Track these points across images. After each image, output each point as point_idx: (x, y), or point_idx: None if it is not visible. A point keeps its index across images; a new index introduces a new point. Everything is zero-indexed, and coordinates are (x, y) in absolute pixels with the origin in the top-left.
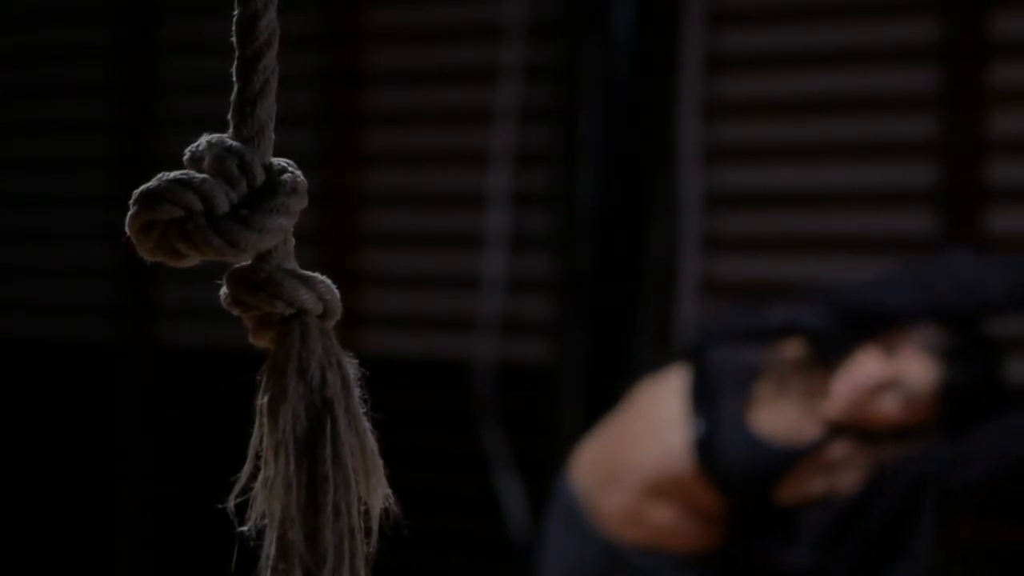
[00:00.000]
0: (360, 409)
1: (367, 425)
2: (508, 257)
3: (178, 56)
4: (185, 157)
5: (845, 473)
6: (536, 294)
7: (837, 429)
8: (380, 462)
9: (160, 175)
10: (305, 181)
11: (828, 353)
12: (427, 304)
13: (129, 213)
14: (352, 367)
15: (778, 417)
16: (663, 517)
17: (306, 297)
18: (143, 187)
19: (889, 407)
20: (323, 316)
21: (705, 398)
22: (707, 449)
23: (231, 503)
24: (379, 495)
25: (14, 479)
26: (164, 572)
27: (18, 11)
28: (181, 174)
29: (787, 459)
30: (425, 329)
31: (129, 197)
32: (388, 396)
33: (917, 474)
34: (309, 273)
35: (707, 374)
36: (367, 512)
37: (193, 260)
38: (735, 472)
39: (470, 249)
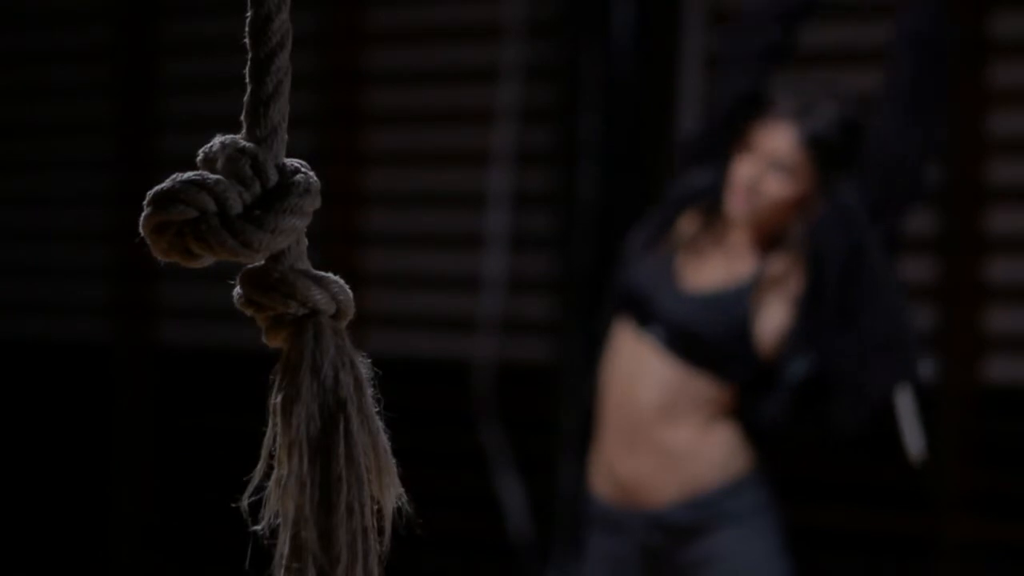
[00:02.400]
0: (373, 409)
1: (380, 425)
2: (508, 257)
3: (178, 56)
4: (198, 158)
5: (794, 282)
6: (536, 294)
7: (762, 247)
8: (393, 461)
9: (174, 176)
10: (318, 182)
11: (713, 199)
12: (427, 304)
13: (143, 214)
14: (365, 367)
15: (711, 273)
16: (684, 439)
17: (319, 297)
18: (157, 188)
19: (778, 187)
20: (336, 316)
21: (646, 309)
22: (677, 338)
23: (244, 502)
24: (392, 494)
25: (14, 479)
26: (164, 572)
27: (18, 11)
28: (195, 175)
29: (743, 297)
30: (425, 329)
31: (129, 197)
32: (388, 396)
33: (840, 221)
34: (322, 273)
35: (635, 293)
36: (380, 511)
37: (206, 260)
38: (713, 336)
39: (470, 249)
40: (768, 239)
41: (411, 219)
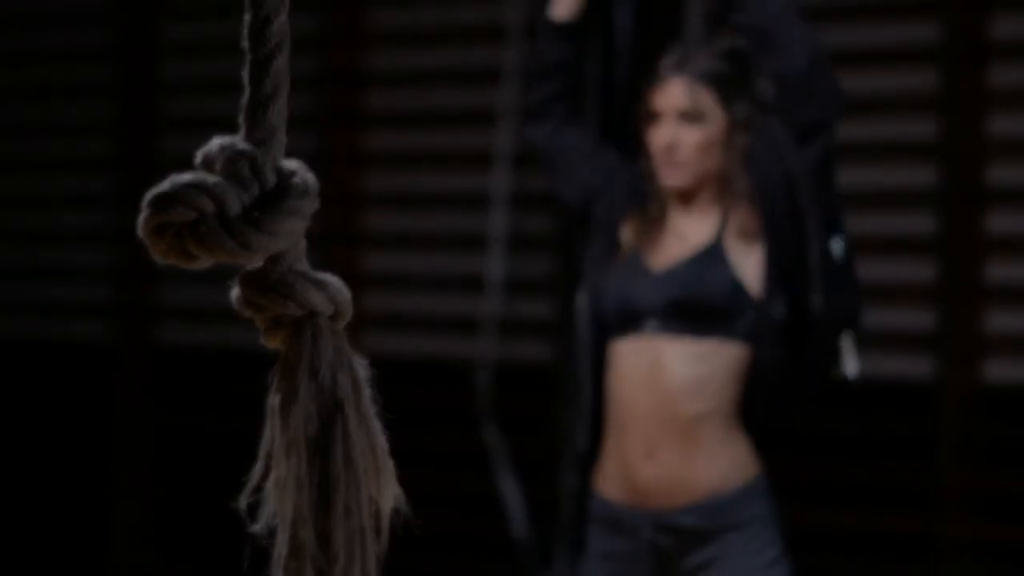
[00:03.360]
0: (371, 409)
1: (378, 425)
2: (508, 258)
3: (178, 56)
4: (197, 160)
5: (754, 222)
6: (536, 294)
7: (711, 204)
8: (390, 462)
9: (172, 177)
10: (316, 183)
11: (640, 193)
12: (428, 305)
13: (142, 215)
14: (363, 368)
15: (676, 250)
16: (707, 435)
17: (317, 299)
18: (155, 189)
19: (695, 135)
20: (334, 317)
21: (632, 312)
22: (675, 315)
23: (243, 503)
24: (389, 495)
25: (14, 479)
26: (164, 572)
27: (18, 11)
28: (193, 176)
29: (719, 252)
30: (426, 330)
31: (129, 197)
32: (389, 397)
33: (770, 154)
34: (320, 275)
35: (615, 306)
36: (377, 511)
37: (206, 262)
38: (708, 294)
39: (471, 250)
40: (711, 195)
41: (411, 220)
